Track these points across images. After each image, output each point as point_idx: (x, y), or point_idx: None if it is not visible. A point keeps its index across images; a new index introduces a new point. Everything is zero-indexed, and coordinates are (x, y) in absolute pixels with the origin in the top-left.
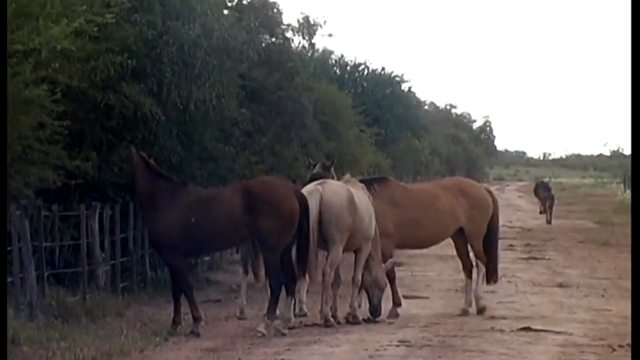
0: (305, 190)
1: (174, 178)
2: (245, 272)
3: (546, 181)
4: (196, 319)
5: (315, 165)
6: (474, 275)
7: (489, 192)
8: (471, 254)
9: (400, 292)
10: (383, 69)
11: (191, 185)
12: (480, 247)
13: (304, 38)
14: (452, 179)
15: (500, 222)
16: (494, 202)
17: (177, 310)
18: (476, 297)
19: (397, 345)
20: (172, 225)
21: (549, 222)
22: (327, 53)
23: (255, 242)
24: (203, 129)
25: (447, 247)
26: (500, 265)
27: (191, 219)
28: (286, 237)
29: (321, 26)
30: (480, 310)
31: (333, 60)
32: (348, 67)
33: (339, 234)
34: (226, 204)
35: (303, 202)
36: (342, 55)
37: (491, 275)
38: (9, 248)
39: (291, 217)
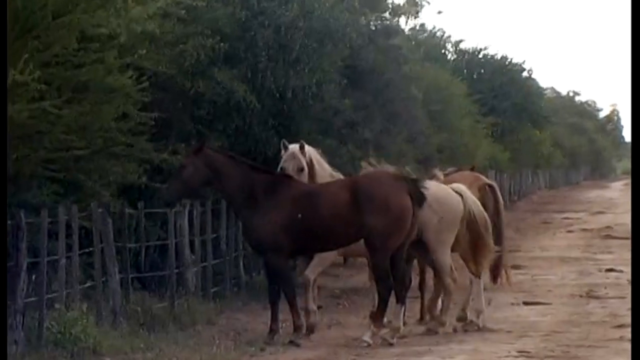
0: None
1: (273, 171)
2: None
3: None
4: (297, 328)
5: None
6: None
7: (461, 193)
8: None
9: (520, 297)
10: (504, 56)
11: (295, 179)
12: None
13: (409, 17)
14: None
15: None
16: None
17: (274, 318)
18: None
19: (516, 357)
20: (276, 223)
21: None
22: (439, 35)
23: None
24: (301, 118)
25: (571, 249)
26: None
27: (297, 215)
28: (397, 237)
29: (428, 3)
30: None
31: (448, 44)
32: (466, 55)
33: None
34: (332, 199)
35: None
36: (459, 40)
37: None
38: (90, 249)
39: (402, 216)
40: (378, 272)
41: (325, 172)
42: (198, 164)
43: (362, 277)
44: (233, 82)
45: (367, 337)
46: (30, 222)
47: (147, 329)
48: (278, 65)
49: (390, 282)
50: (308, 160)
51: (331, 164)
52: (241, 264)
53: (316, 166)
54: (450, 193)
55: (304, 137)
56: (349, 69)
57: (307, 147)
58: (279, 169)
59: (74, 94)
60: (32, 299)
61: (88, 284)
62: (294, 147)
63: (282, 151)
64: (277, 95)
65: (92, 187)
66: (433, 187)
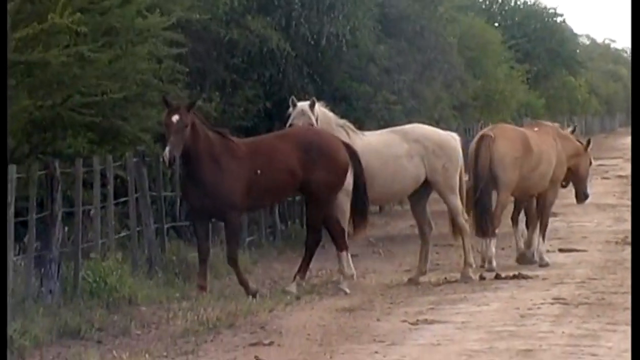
0: None
1: (220, 131)
2: None
3: None
4: (247, 288)
5: None
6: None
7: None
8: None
9: (556, 244)
10: (536, 1)
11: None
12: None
13: None
14: None
15: None
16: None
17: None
18: None
19: (552, 303)
20: (239, 181)
21: None
22: None
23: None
24: (336, 66)
25: (607, 195)
26: None
27: (256, 172)
28: (337, 191)
29: None
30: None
31: None
32: (499, 1)
33: None
34: (284, 154)
35: (353, 154)
36: None
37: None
38: (125, 199)
39: (344, 172)
40: (313, 224)
41: (331, 125)
42: (191, 124)
43: (397, 225)
44: (267, 30)
45: (291, 288)
46: (65, 172)
47: (182, 279)
48: (312, 13)
49: (321, 234)
50: (316, 117)
51: (366, 109)
52: (277, 212)
53: (324, 123)
54: (449, 139)
55: (339, 84)
56: (383, 15)
57: (317, 105)
58: (287, 126)
59: (105, 37)
60: (68, 249)
61: (123, 234)
62: (302, 104)
63: (291, 108)
64: (312, 42)
65: (130, 133)
66: (434, 134)
